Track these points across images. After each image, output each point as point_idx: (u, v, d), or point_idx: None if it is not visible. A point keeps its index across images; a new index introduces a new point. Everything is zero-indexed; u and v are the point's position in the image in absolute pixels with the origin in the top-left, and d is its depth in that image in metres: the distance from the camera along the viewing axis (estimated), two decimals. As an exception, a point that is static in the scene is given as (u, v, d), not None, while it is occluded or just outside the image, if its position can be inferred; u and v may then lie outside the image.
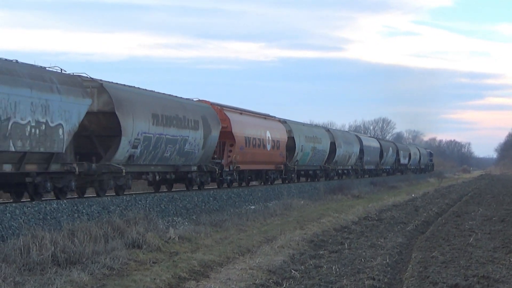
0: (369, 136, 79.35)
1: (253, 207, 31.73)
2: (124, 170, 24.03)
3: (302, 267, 16.09)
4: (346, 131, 73.08)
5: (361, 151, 61.88)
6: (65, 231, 17.82)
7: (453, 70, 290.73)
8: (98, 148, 24.07)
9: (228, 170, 34.00)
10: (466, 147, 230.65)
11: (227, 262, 16.92)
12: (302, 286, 13.77)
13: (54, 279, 13.52)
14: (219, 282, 14.10)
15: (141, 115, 25.20)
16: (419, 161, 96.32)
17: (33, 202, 20.28)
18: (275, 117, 44.32)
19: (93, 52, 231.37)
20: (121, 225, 19.77)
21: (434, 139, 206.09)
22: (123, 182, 25.07)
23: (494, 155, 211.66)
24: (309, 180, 49.77)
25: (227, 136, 33.70)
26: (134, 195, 25.26)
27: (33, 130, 19.64)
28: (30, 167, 20.23)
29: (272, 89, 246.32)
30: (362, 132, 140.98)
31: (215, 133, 31.62)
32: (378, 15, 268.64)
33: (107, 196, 24.80)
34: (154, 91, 28.13)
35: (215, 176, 32.51)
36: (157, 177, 27.93)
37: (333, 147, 52.52)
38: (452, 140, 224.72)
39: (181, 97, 30.44)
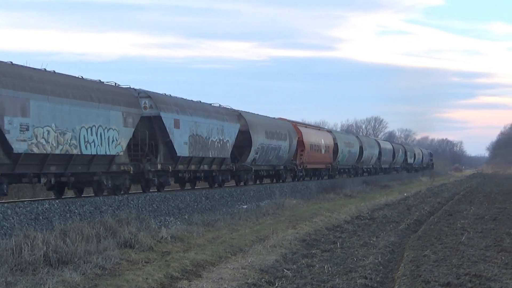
0: (384, 140, 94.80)
1: (245, 206, 31.74)
2: (252, 169, 37.77)
3: (295, 266, 16.10)
4: (369, 137, 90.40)
5: (380, 153, 76.03)
6: (57, 231, 17.77)
7: (445, 69, 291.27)
8: (236, 154, 36.81)
9: (300, 168, 47.92)
10: (458, 146, 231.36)
11: (220, 262, 16.91)
12: (295, 285, 13.76)
13: (46, 279, 13.49)
14: (211, 281, 14.09)
15: (260, 132, 39.07)
16: (422, 160, 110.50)
17: (25, 203, 20.27)
18: (324, 128, 62.68)
19: (86, 52, 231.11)
20: (113, 225, 19.74)
21: (426, 138, 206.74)
22: (250, 176, 38.68)
23: (486, 153, 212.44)
24: (345, 176, 62.87)
25: (299, 144, 47.23)
26: (126, 195, 25.22)
27: (217, 144, 33.01)
28: (214, 167, 33.51)
29: (265, 88, 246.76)
30: (354, 130, 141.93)
31: (294, 142, 45.66)
32: (370, 14, 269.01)
33: (99, 196, 24.82)
34: (262, 115, 42.80)
35: (293, 172, 46.63)
36: (264, 174, 42.00)
37: (361, 150, 66.49)
38: (444, 139, 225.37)
39: (274, 118, 45.92)
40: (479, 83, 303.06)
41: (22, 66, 21.08)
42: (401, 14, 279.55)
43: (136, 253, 17.27)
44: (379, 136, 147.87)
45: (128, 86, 27.27)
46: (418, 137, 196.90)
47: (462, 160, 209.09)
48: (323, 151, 52.90)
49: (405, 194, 46.53)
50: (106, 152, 23.88)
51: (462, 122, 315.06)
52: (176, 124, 28.94)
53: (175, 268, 15.41)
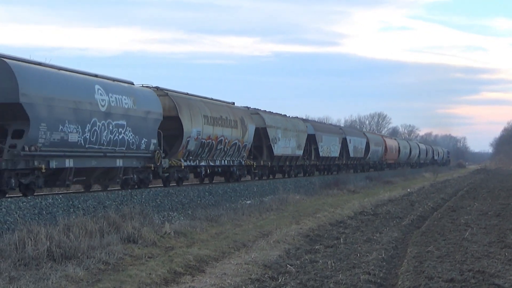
0: (420, 143, 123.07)
1: (249, 202, 31.70)
2: (369, 163, 73.49)
3: (298, 262, 16.09)
4: (412, 141, 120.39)
5: (419, 152, 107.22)
6: (60, 226, 17.77)
7: (448, 65, 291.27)
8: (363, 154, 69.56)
9: (384, 163, 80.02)
10: (461, 142, 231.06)
11: (223, 257, 16.91)
12: (298, 281, 13.74)
13: (50, 274, 13.50)
14: (214, 277, 14.09)
15: (373, 143, 73.00)
16: (443, 157, 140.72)
17: (28, 197, 20.28)
18: (391, 137, 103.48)
19: (87, 47, 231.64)
20: (117, 220, 19.73)
21: (429, 134, 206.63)
22: (366, 167, 72.30)
23: (489, 150, 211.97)
24: (397, 168, 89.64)
25: (384, 148, 78.70)
26: (129, 190, 25.20)
27: (360, 150, 66.53)
28: (356, 162, 66.85)
29: (267, 84, 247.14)
30: (358, 126, 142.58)
31: (383, 147, 78.17)
32: (372, 9, 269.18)
33: (103, 191, 24.83)
34: (375, 133, 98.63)
35: (381, 165, 78.63)
36: (372, 166, 74.97)
37: (410, 151, 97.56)
38: (448, 134, 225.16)
39: (371, 132, 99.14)
40: (483, 79, 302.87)
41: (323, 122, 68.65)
42: (404, 10, 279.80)
43: (139, 248, 17.27)
44: (383, 132, 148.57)
45: (331, 124, 78.01)
46: (421, 133, 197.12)
47: (465, 156, 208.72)
48: (394, 152, 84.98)
49: (409, 190, 46.45)
50: (334, 156, 56.18)
51: (466, 118, 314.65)
52: (350, 141, 62.19)
53: (179, 263, 15.41)
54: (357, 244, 19.12)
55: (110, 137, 23.88)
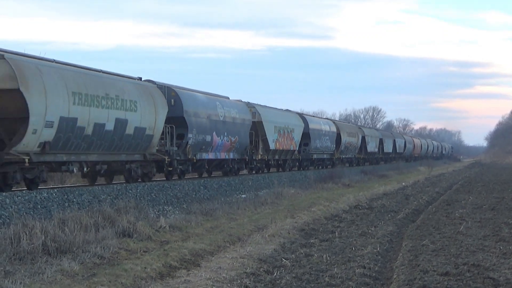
0: (432, 140, 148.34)
1: (244, 196, 31.70)
2: (404, 156, 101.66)
3: (293, 255, 16.10)
4: (427, 139, 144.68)
5: (433, 147, 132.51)
6: (55, 220, 17.73)
7: (442, 59, 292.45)
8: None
9: (413, 156, 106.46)
10: (456, 136, 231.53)
11: (218, 251, 16.92)
12: (293, 275, 13.75)
13: (45, 268, 13.49)
14: (209, 271, 14.08)
15: (408, 143, 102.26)
16: (448, 151, 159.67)
17: (24, 192, 20.26)
18: (411, 136, 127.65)
19: (80, 41, 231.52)
20: (112, 214, 19.70)
21: (424, 128, 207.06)
22: (401, 159, 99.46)
23: (484, 143, 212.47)
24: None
25: (413, 145, 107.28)
26: (124, 184, 25.18)
27: (399, 146, 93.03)
28: (397, 155, 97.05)
29: (261, 77, 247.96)
30: (353, 120, 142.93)
31: (413, 144, 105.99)
32: (365, 3, 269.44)
33: (98, 185, 24.81)
34: (408, 135, 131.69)
35: (412, 158, 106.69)
36: (408, 158, 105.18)
37: (428, 147, 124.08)
38: (443, 128, 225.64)
39: (405, 134, 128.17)
40: (476, 73, 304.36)
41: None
42: (397, 4, 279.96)
43: (134, 243, 17.27)
44: (378, 126, 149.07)
45: (387, 130, 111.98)
46: (416, 126, 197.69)
47: (460, 150, 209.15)
48: (419, 148, 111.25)
49: (403, 184, 46.48)
50: (389, 151, 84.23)
51: (460, 112, 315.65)
52: (396, 142, 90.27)
53: (174, 257, 15.41)
54: (352, 238, 19.14)
55: (323, 144, 54.74)
